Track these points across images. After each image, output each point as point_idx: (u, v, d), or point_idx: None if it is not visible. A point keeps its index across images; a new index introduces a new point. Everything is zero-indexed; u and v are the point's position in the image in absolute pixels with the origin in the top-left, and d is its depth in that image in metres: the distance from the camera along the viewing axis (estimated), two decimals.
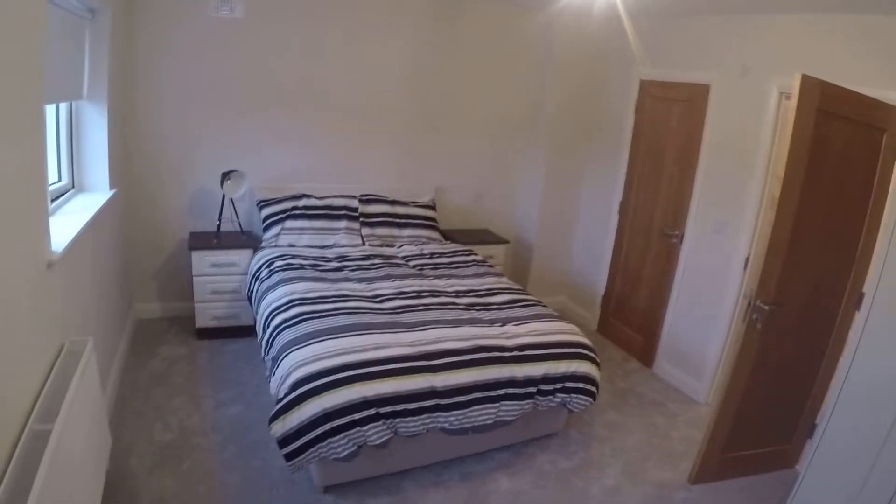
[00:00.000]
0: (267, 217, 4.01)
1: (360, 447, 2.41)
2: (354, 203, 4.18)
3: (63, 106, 2.97)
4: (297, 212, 4.01)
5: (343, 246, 4.00)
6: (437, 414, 2.54)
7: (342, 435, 2.36)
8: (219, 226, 3.97)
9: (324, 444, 2.35)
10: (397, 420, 2.46)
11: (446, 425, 2.57)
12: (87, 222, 2.53)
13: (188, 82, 3.79)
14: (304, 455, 2.36)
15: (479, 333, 2.85)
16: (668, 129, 3.90)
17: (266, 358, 2.87)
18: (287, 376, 2.46)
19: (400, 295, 3.25)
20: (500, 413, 2.68)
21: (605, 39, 4.31)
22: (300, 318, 2.83)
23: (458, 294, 3.37)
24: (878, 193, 2.60)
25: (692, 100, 3.66)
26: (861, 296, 2.34)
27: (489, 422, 2.66)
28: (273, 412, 2.39)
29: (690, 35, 3.71)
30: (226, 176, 3.79)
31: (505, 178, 4.90)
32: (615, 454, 3.05)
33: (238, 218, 4.05)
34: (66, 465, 1.64)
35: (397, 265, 3.76)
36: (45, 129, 2.13)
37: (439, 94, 4.47)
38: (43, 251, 1.96)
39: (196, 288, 3.74)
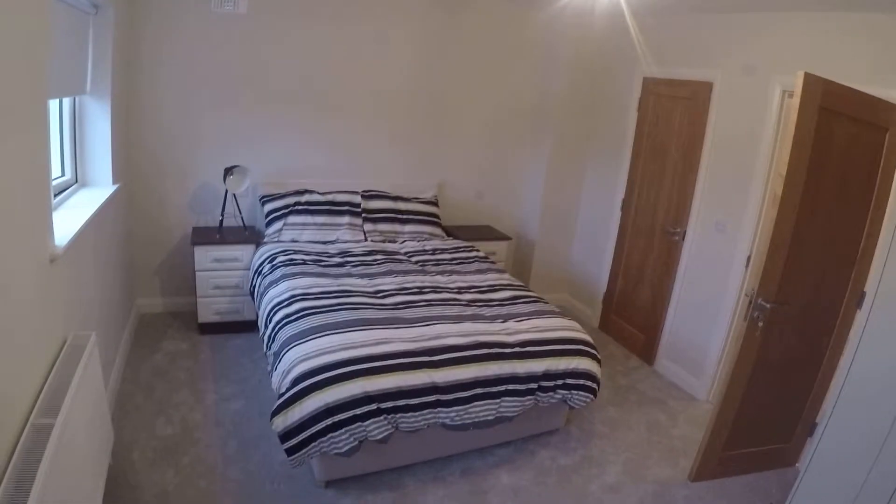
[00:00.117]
0: (269, 212, 4.01)
1: (361, 442, 2.42)
2: (357, 199, 4.19)
3: (66, 101, 2.97)
4: (300, 207, 4.01)
5: (345, 241, 4.01)
6: (439, 409, 2.55)
7: (343, 430, 2.37)
8: (221, 221, 3.98)
9: (325, 438, 2.36)
10: (398, 415, 2.47)
11: (447, 421, 2.58)
12: (90, 217, 2.54)
13: (191, 78, 3.79)
14: (305, 450, 2.37)
15: (481, 329, 2.85)
16: (670, 127, 3.89)
17: (268, 353, 2.88)
18: (289, 371, 2.47)
19: (402, 291, 3.25)
20: (501, 409, 2.69)
21: (608, 37, 4.30)
22: (302, 314, 2.84)
23: (459, 290, 3.37)
24: (880, 192, 2.60)
25: (695, 98, 3.65)
26: (862, 294, 2.35)
27: (490, 418, 2.67)
28: (275, 407, 2.41)
29: (694, 33, 3.70)
30: (228, 171, 3.80)
31: (507, 175, 4.91)
32: (616, 451, 3.06)
33: (240, 213, 4.06)
34: (68, 459, 1.64)
35: (399, 261, 3.77)
36: (49, 124, 2.14)
37: (442, 90, 4.47)
38: (46, 246, 1.96)
39: (198, 283, 3.75)
